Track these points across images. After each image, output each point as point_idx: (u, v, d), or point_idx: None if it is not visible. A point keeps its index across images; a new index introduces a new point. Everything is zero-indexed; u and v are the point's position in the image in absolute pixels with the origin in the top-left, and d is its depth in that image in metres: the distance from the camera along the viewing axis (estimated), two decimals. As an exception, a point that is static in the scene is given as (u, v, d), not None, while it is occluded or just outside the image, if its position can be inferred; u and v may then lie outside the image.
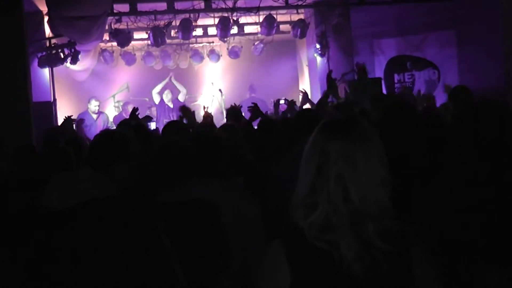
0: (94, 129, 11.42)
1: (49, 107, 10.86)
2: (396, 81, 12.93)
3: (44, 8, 10.40)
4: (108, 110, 13.96)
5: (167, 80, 14.03)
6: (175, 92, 14.11)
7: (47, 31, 11.24)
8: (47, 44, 11.40)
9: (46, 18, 10.77)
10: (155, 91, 13.84)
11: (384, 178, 1.99)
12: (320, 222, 1.95)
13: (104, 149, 3.43)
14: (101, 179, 3.27)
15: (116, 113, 13.62)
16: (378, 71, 12.96)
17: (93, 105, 12.17)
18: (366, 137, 2.02)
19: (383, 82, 12.26)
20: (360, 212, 1.93)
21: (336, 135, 2.01)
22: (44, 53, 11.26)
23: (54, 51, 11.32)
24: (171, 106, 13.54)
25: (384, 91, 12.01)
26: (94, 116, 12.01)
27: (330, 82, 9.71)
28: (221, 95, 13.84)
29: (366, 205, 1.94)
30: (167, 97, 13.77)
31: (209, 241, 3.26)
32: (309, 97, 10.06)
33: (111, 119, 12.84)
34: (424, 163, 3.77)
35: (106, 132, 3.89)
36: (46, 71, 11.57)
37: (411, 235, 2.03)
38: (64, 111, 12.29)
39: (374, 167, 1.98)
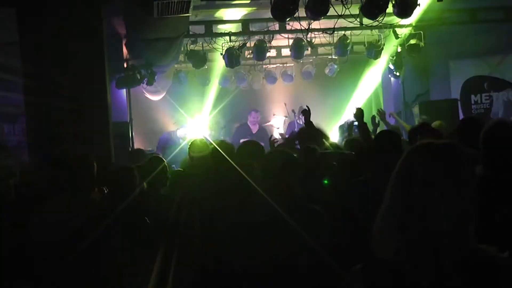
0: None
1: (126, 127, 11.11)
2: (473, 102, 12.58)
3: (122, 31, 10.68)
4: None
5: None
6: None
7: (125, 53, 11.51)
8: (125, 65, 11.68)
9: (124, 40, 11.04)
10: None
11: (468, 210, 1.88)
12: (405, 251, 1.87)
13: None
14: None
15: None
16: (454, 93, 12.67)
17: (182, 132, 12.19)
18: (462, 162, 1.93)
19: (459, 103, 11.99)
20: (438, 244, 1.84)
21: (437, 158, 1.94)
22: (121, 74, 11.50)
23: (131, 73, 11.58)
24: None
25: (460, 113, 11.74)
26: (181, 141, 11.70)
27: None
28: (294, 116, 13.78)
29: (443, 239, 1.84)
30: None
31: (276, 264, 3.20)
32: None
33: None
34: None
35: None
36: (123, 91, 11.85)
37: (502, 264, 1.90)
38: (139, 131, 12.55)
39: (460, 197, 1.88)
